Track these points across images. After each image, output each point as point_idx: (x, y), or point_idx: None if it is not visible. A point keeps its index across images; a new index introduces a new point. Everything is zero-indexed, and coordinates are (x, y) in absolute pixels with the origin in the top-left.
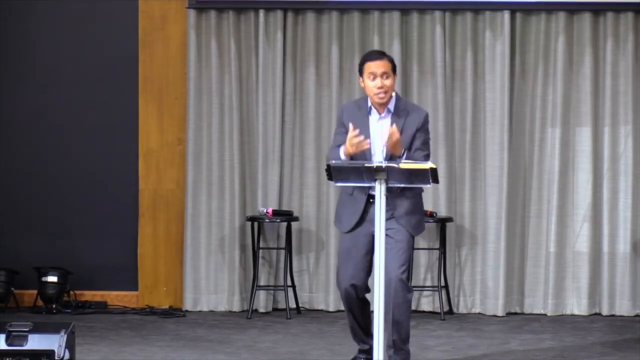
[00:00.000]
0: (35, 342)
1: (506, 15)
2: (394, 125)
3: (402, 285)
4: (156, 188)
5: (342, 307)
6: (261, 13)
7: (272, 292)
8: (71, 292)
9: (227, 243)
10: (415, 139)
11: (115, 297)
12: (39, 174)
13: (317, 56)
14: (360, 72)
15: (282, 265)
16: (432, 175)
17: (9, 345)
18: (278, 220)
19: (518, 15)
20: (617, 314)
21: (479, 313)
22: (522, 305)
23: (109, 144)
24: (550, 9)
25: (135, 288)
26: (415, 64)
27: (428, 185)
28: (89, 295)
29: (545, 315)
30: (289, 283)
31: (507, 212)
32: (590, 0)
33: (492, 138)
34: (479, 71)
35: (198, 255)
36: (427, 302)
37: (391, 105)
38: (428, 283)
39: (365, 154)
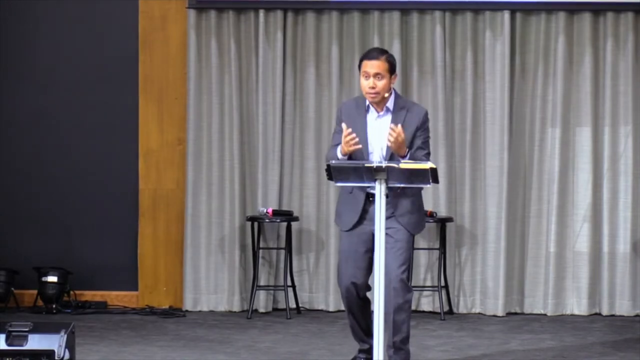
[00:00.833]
0: (35, 342)
1: (506, 15)
2: (400, 126)
3: (402, 285)
4: (156, 188)
5: (342, 307)
6: (261, 13)
7: (272, 292)
8: (71, 292)
9: (227, 243)
10: (416, 137)
11: (115, 297)
12: (39, 174)
13: (317, 56)
14: (359, 68)
15: (282, 265)
16: (432, 175)
17: (9, 345)
18: (278, 220)
19: (518, 15)
20: (617, 314)
21: (479, 313)
22: (522, 305)
23: (109, 144)
24: (550, 9)
25: (135, 288)
26: (415, 64)
27: (428, 185)
28: (89, 295)
29: (545, 315)
30: (289, 283)
31: (507, 212)
32: (590, 0)
33: (492, 138)
34: (479, 71)
35: (198, 255)
36: (427, 302)
37: (390, 104)
38: (428, 283)
39: (363, 152)
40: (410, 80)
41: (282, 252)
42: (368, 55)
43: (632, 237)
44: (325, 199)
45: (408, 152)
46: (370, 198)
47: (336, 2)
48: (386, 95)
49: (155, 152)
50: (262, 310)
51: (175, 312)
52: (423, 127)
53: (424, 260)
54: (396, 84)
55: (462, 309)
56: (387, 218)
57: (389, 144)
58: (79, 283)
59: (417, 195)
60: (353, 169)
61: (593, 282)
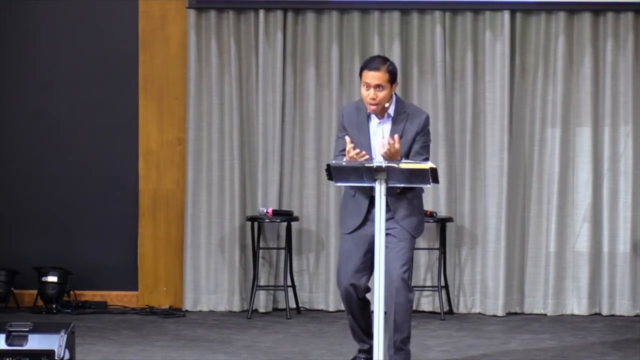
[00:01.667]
0: (35, 342)
1: (506, 15)
2: (396, 137)
3: (404, 285)
4: (156, 188)
5: (342, 307)
6: (261, 13)
7: (272, 292)
8: (71, 292)
9: (227, 243)
10: (415, 142)
11: (115, 297)
12: (39, 174)
13: (317, 56)
14: (360, 76)
15: (282, 265)
16: (432, 176)
17: (9, 345)
18: (278, 220)
19: (518, 15)
20: (617, 314)
21: (479, 313)
22: (522, 305)
23: (109, 144)
24: (550, 9)
25: (135, 288)
26: (415, 64)
27: (428, 186)
28: (89, 295)
29: (545, 315)
30: (289, 283)
31: (507, 212)
32: (590, 0)
33: (492, 138)
34: (479, 71)
35: (198, 255)
36: (427, 302)
37: (391, 110)
38: (428, 283)
39: None
40: (410, 80)
41: (282, 252)
42: (369, 65)
43: (632, 237)
44: (325, 199)
45: (402, 159)
46: (373, 202)
47: (336, 2)
48: (387, 105)
49: (155, 152)
50: (262, 310)
51: (175, 312)
52: (423, 131)
53: (424, 260)
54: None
55: (462, 309)
56: (388, 220)
57: (383, 154)
58: (79, 283)
59: (417, 198)
60: (353, 169)
61: (593, 282)
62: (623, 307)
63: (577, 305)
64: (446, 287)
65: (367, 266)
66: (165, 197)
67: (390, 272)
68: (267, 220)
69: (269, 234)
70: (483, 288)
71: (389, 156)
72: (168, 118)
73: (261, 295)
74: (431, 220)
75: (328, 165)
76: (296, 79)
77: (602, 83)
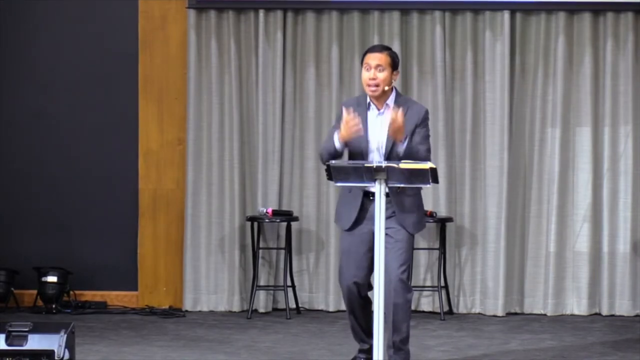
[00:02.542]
0: (35, 342)
1: (506, 15)
2: (400, 110)
3: (403, 285)
4: (156, 188)
5: (342, 307)
6: (261, 13)
7: (272, 292)
8: (71, 292)
9: (227, 243)
10: (415, 134)
11: (115, 297)
12: (39, 174)
13: (317, 56)
14: (362, 64)
15: (282, 265)
16: (431, 176)
17: (9, 345)
18: (278, 220)
19: (518, 15)
20: (617, 314)
21: (479, 313)
22: (522, 305)
23: (109, 144)
24: (550, 9)
25: (135, 288)
26: (415, 64)
27: (428, 186)
28: (89, 295)
29: (545, 315)
30: (289, 283)
31: (507, 212)
32: (590, 0)
33: (492, 138)
34: (479, 71)
35: (198, 255)
36: (427, 302)
37: (390, 101)
38: (428, 283)
39: (362, 148)
40: (410, 80)
41: (282, 252)
42: (371, 49)
43: (632, 237)
44: (325, 199)
45: (406, 139)
46: (370, 197)
47: (336, 2)
48: (386, 88)
49: (155, 152)
50: (262, 310)
51: (175, 312)
52: (423, 123)
53: (424, 260)
54: (396, 84)
55: (462, 309)
56: (387, 218)
57: (389, 128)
58: (79, 283)
59: (417, 194)
60: (353, 169)
61: (593, 282)
62: (623, 307)
63: (577, 305)
64: (446, 287)
65: (369, 264)
66: (165, 197)
67: (389, 272)
68: (267, 220)
69: (268, 234)
70: (483, 288)
71: (393, 130)
72: (168, 118)
73: (261, 295)
74: (431, 220)
75: (328, 166)
76: (296, 79)
77: (602, 83)
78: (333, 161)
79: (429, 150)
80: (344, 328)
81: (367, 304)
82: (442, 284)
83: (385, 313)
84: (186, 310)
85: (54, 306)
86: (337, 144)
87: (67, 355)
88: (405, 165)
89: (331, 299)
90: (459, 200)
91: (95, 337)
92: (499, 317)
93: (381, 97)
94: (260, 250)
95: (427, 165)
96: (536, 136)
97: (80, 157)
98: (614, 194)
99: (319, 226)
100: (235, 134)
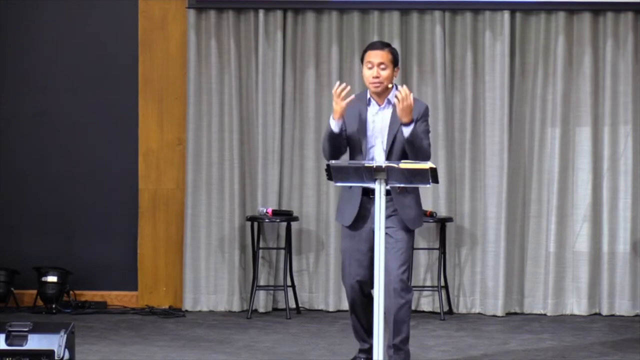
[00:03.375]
0: (35, 342)
1: (506, 15)
2: (405, 87)
3: (402, 286)
4: (156, 188)
5: (342, 307)
6: (261, 13)
7: (271, 292)
8: (71, 292)
9: (227, 243)
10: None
11: (115, 297)
12: (39, 174)
13: (317, 56)
14: (362, 61)
15: (282, 265)
16: (432, 176)
17: (8, 345)
18: (278, 220)
19: (518, 15)
20: (617, 314)
21: (479, 313)
22: (522, 305)
23: (109, 144)
24: (550, 9)
25: (135, 288)
26: (415, 64)
27: (428, 186)
28: (89, 295)
29: (545, 315)
30: (289, 283)
31: (507, 212)
32: (590, 0)
33: (492, 138)
34: (479, 71)
35: (198, 255)
36: (427, 302)
37: (391, 97)
38: (428, 283)
39: (362, 143)
40: (410, 80)
41: (282, 252)
42: (372, 46)
43: (632, 237)
44: (325, 199)
45: (413, 123)
46: (370, 195)
47: (336, 2)
48: (390, 86)
49: (155, 152)
50: (262, 310)
51: (175, 312)
52: (423, 118)
53: (423, 260)
54: (396, 83)
55: (462, 309)
56: (388, 217)
57: (396, 101)
58: (79, 283)
59: (415, 191)
60: (353, 169)
61: (593, 282)
62: (623, 307)
63: (577, 305)
64: (446, 287)
65: (371, 263)
66: (165, 197)
67: (389, 273)
68: (267, 220)
69: (268, 234)
70: (483, 288)
71: (402, 109)
72: (168, 118)
73: (261, 295)
74: (431, 220)
75: (328, 166)
76: (296, 79)
77: (602, 83)
78: (333, 161)
79: (429, 145)
80: (344, 328)
81: (370, 302)
82: (442, 284)
83: (385, 313)
84: (186, 310)
85: (54, 306)
86: (333, 125)
87: (67, 355)
88: (405, 165)
89: (331, 299)
90: (459, 200)
91: (95, 337)
92: (499, 317)
93: (382, 94)
94: (260, 250)
95: (427, 165)
96: (536, 136)
97: (80, 157)
98: (613, 194)
99: (319, 226)
100: (235, 134)
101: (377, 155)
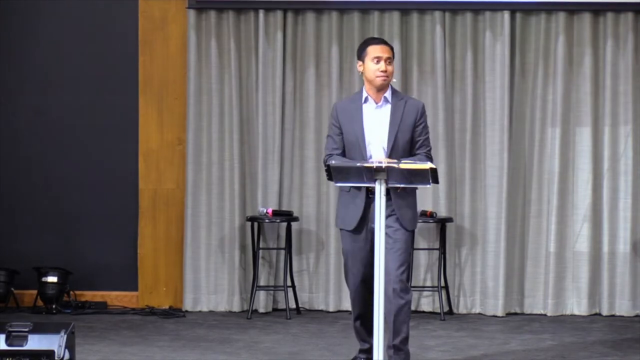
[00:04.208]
0: (35, 342)
1: (506, 15)
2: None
3: (402, 287)
4: (156, 188)
5: (342, 308)
6: (261, 13)
7: (272, 292)
8: (71, 292)
9: (227, 243)
10: (416, 132)
11: (115, 297)
12: (39, 174)
13: (317, 56)
14: (360, 56)
15: (282, 265)
16: (432, 176)
17: (9, 345)
18: (278, 221)
19: (518, 16)
20: (617, 314)
21: (479, 313)
22: (522, 306)
23: (109, 144)
24: (550, 9)
25: (135, 288)
26: (415, 64)
27: (428, 186)
28: (89, 295)
29: (545, 315)
30: (289, 283)
31: (507, 212)
32: (590, 0)
33: (492, 138)
34: (479, 71)
35: (198, 255)
36: (427, 302)
37: (388, 95)
38: (428, 283)
39: (359, 141)
40: (410, 80)
41: (282, 252)
42: (375, 41)
43: (632, 237)
44: (325, 199)
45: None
46: (370, 195)
47: (336, 2)
48: (394, 80)
49: (155, 152)
50: (262, 310)
51: (175, 313)
52: (422, 118)
53: (424, 260)
54: (396, 84)
55: (462, 309)
56: (387, 217)
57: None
58: (79, 283)
59: (413, 191)
60: (353, 169)
61: (593, 282)
62: (623, 307)
63: (577, 305)
64: (446, 287)
65: (373, 263)
66: (165, 197)
67: (388, 273)
68: (267, 221)
69: (269, 234)
70: (483, 288)
71: None
72: (168, 118)
73: (261, 296)
74: (431, 220)
75: (328, 166)
76: (296, 79)
77: (602, 83)
78: (333, 161)
79: (430, 151)
80: (344, 328)
81: (373, 302)
82: (442, 284)
83: (385, 314)
84: (186, 311)
85: (54, 306)
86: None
87: (67, 355)
88: (405, 165)
89: (331, 299)
90: (459, 200)
91: (95, 337)
92: (499, 317)
93: (380, 90)
94: (260, 251)
95: (427, 165)
96: (536, 136)
97: (80, 157)
98: (614, 194)
99: (319, 226)
100: (235, 134)
101: (375, 154)
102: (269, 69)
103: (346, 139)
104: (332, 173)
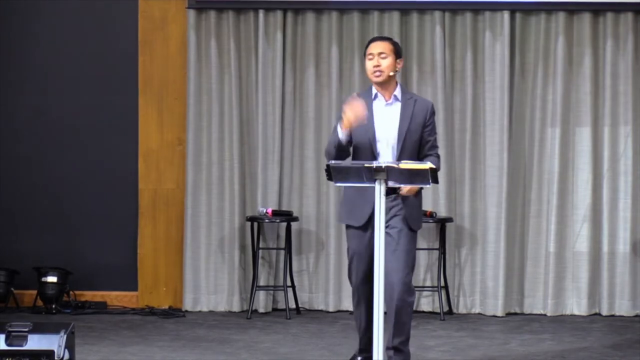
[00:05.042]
0: (35, 342)
1: (506, 15)
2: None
3: (405, 289)
4: (156, 188)
5: (342, 308)
6: (261, 13)
7: (271, 292)
8: (71, 292)
9: (227, 243)
10: (425, 132)
11: (115, 297)
12: (39, 174)
13: (317, 56)
14: (364, 57)
15: (281, 265)
16: (432, 176)
17: (8, 345)
18: (278, 221)
19: (518, 16)
20: (617, 314)
21: (479, 313)
22: (522, 306)
23: (109, 144)
24: (550, 9)
25: (135, 288)
26: (415, 64)
27: (428, 186)
28: (89, 295)
29: (545, 315)
30: (289, 283)
31: (507, 212)
32: (590, 0)
33: (492, 138)
34: (478, 71)
35: (198, 255)
36: (427, 302)
37: (397, 93)
38: (428, 283)
39: (369, 138)
40: (410, 80)
41: (282, 252)
42: (372, 40)
43: (632, 237)
44: (325, 199)
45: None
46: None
47: (336, 2)
48: (391, 74)
49: (155, 152)
50: (261, 310)
51: (175, 313)
52: (432, 118)
53: (423, 260)
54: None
55: (461, 309)
56: (394, 216)
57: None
58: (79, 283)
59: (419, 192)
60: (353, 169)
61: (593, 282)
62: (623, 307)
63: (577, 305)
64: (446, 287)
65: None
66: (165, 197)
67: (392, 274)
68: (266, 221)
69: (268, 234)
70: (483, 288)
71: (407, 191)
72: (168, 118)
73: (261, 296)
74: (431, 220)
75: (328, 166)
76: (296, 79)
77: (602, 83)
78: (333, 161)
79: (438, 151)
80: (343, 328)
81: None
82: (442, 284)
83: (386, 314)
84: (186, 311)
85: (53, 306)
86: (341, 134)
87: (67, 356)
88: (405, 165)
89: (331, 299)
90: (459, 200)
91: (95, 337)
92: (498, 317)
93: (388, 87)
94: (260, 251)
95: (427, 165)
96: (536, 136)
97: (80, 157)
98: (613, 194)
99: (319, 226)
100: (235, 134)
101: (384, 152)
102: (268, 69)
103: (355, 134)
104: (332, 173)
